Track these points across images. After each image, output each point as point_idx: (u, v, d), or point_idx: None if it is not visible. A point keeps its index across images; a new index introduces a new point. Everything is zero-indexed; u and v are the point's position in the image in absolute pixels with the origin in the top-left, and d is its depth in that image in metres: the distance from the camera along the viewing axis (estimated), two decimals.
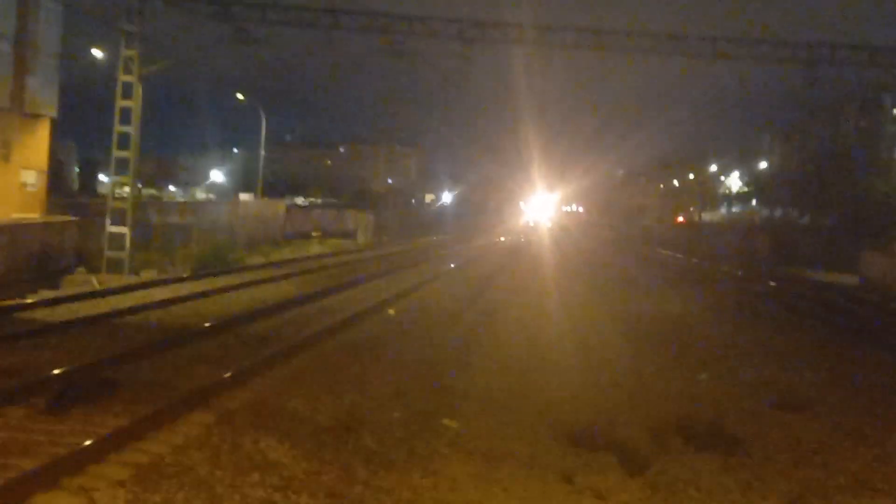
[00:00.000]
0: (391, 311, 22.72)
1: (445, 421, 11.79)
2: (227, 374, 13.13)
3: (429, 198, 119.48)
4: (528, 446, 11.05)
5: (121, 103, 30.92)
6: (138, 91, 31.03)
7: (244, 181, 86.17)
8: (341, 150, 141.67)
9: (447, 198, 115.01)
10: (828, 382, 15.79)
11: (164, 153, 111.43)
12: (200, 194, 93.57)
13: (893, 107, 73.07)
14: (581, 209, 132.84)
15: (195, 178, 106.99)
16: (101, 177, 74.96)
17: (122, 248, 30.44)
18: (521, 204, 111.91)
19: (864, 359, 19.01)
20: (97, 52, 38.84)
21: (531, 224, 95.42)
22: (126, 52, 30.93)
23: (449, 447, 10.81)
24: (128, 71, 30.87)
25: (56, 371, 12.80)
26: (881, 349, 20.30)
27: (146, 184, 57.98)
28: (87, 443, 9.47)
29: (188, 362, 14.61)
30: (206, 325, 18.31)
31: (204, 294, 24.20)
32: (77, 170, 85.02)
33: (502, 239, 69.36)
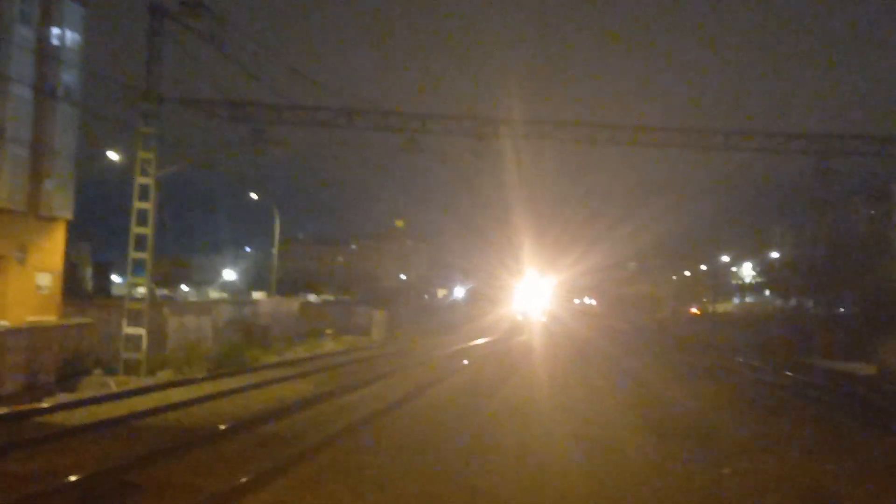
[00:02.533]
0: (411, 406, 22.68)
1: None
2: (249, 477, 13.06)
3: (441, 293, 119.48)
4: None
5: (137, 205, 31.23)
6: (154, 193, 31.36)
7: (256, 279, 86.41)
8: (353, 246, 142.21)
9: (459, 292, 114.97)
10: (852, 475, 15.62)
11: (177, 253, 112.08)
12: (214, 293, 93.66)
13: None
14: (594, 301, 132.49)
15: (208, 277, 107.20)
16: (115, 277, 75.10)
17: (138, 349, 30.52)
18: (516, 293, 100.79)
19: (887, 450, 18.84)
20: (113, 155, 39.27)
21: (519, 318, 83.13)
22: (142, 154, 31.33)
23: None
24: (144, 172, 31.24)
25: (77, 476, 12.77)
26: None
27: (158, 284, 58.27)
28: None
29: (209, 464, 14.55)
30: (225, 426, 18.23)
31: (221, 394, 24.18)
32: (91, 271, 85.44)
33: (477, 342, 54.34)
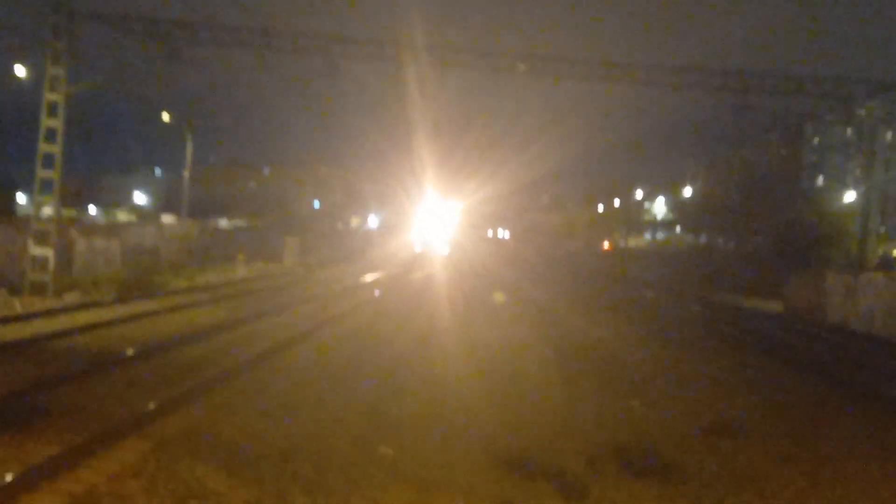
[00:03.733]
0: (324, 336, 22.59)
1: (382, 448, 11.70)
2: (161, 401, 12.88)
3: (355, 221, 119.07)
4: (465, 474, 10.99)
5: (46, 122, 30.42)
6: (63, 111, 30.56)
7: (167, 203, 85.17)
8: (265, 171, 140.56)
9: (373, 221, 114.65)
10: (757, 408, 15.97)
11: (87, 173, 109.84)
12: (123, 216, 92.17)
13: (814, 137, 74.74)
14: (507, 235, 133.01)
15: (118, 198, 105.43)
16: (20, 197, 73.48)
17: (44, 270, 29.92)
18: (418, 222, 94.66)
19: (791, 384, 19.23)
20: (20, 70, 38.08)
21: (418, 251, 79.47)
22: (52, 70, 30.47)
23: (386, 475, 10.73)
24: (53, 89, 30.40)
25: None
26: (805, 374, 20.59)
27: (66, 204, 56.77)
28: (19, 471, 9.24)
29: (120, 388, 14.35)
30: (136, 350, 17.97)
31: (131, 318, 23.84)
32: None
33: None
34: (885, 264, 44.16)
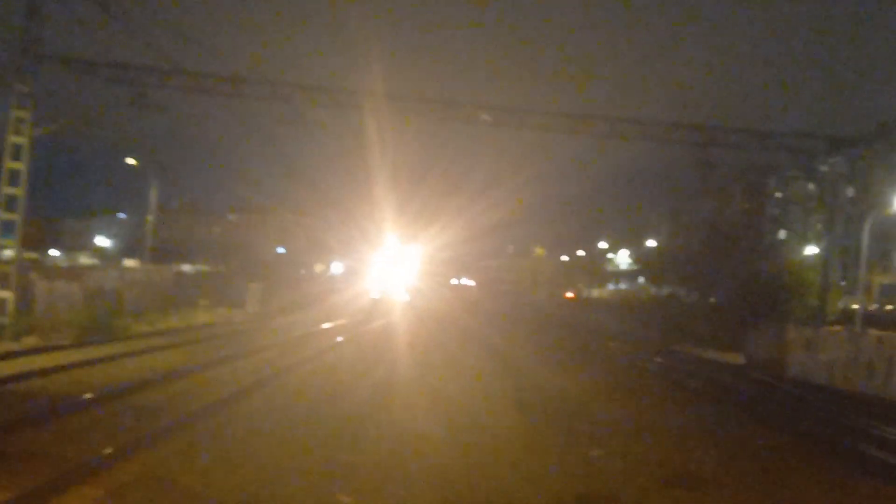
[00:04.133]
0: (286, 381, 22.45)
1: (342, 497, 11.59)
2: (117, 446, 12.71)
3: (319, 267, 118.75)
4: None
5: (9, 165, 30.23)
6: (27, 154, 30.40)
7: (130, 247, 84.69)
8: (230, 217, 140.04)
9: (337, 267, 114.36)
10: (717, 460, 15.96)
11: (49, 216, 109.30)
12: (85, 259, 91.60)
13: (776, 191, 75.58)
14: (472, 282, 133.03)
15: (80, 242, 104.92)
16: None
17: (3, 313, 29.62)
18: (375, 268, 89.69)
19: (751, 437, 19.30)
20: None
21: (376, 297, 74.22)
22: (17, 113, 30.33)
23: None
24: (18, 132, 30.24)
25: None
26: (765, 427, 20.66)
27: (27, 247, 56.33)
28: None
29: (75, 433, 14.14)
30: (93, 394, 17.75)
31: (90, 362, 23.59)
32: None
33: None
34: (845, 317, 44.50)
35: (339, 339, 37.77)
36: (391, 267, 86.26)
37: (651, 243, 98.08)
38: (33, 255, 75.14)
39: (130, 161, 60.02)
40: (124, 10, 29.13)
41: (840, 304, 48.04)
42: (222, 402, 18.20)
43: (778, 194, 76.25)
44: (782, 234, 75.96)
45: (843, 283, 52.53)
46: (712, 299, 63.78)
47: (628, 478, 13.97)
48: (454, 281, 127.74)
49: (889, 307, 58.29)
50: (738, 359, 39.73)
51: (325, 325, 46.88)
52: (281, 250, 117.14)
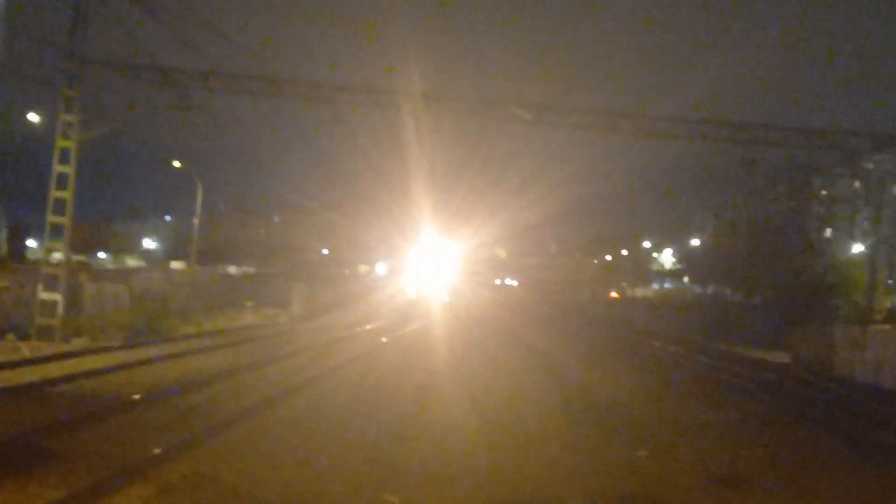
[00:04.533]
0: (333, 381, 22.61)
1: (387, 496, 11.68)
2: (166, 446, 12.89)
3: (363, 268, 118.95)
4: None
5: (58, 168, 30.64)
6: (75, 157, 30.78)
7: (176, 249, 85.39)
8: (274, 219, 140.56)
9: (381, 268, 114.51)
10: (762, 459, 15.92)
11: (97, 219, 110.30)
12: (132, 262, 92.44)
13: (822, 189, 74.88)
14: (515, 282, 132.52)
15: (127, 245, 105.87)
16: (31, 242, 73.71)
17: (53, 315, 30.00)
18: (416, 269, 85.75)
19: (797, 435, 19.20)
20: (33, 116, 38.40)
21: (413, 299, 71.13)
22: (64, 117, 30.72)
23: None
24: (66, 136, 30.63)
25: None
26: (812, 425, 20.56)
27: (76, 250, 56.86)
28: None
29: (124, 433, 14.34)
30: (141, 395, 17.99)
31: (137, 363, 23.88)
32: (5, 234, 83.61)
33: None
34: (893, 316, 44.07)
35: (383, 339, 37.94)
36: (430, 266, 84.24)
37: (695, 242, 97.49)
38: (81, 257, 76.09)
39: (176, 164, 60.55)
40: (168, 12, 29.46)
41: (888, 303, 47.55)
42: (268, 402, 18.35)
43: (823, 192, 75.52)
44: (828, 232, 75.27)
45: (890, 282, 51.96)
46: (757, 298, 63.41)
47: (672, 478, 13.95)
48: (497, 281, 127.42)
49: None
50: (784, 358, 39.48)
51: (369, 325, 47.09)
52: (325, 251, 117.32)
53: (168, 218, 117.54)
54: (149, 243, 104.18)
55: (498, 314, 63.85)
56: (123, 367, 23.07)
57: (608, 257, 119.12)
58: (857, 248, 56.77)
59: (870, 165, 39.83)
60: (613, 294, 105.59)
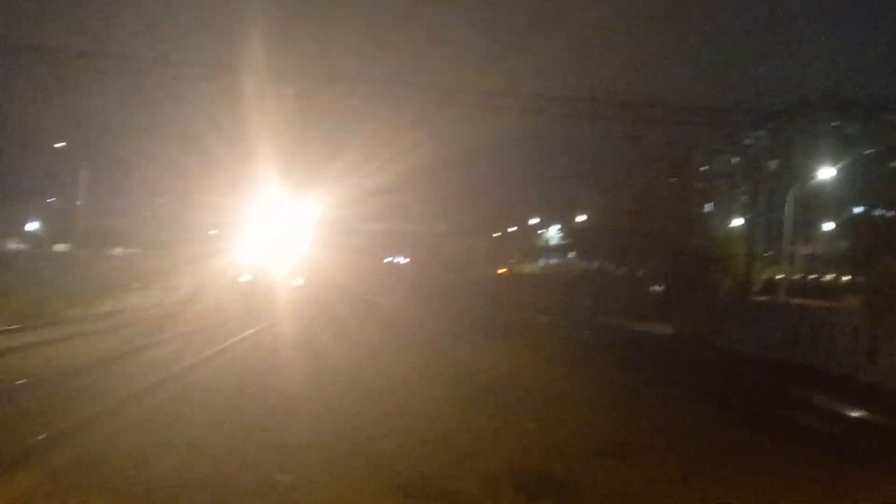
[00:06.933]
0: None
1: (278, 475, 11.75)
2: (53, 431, 12.78)
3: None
4: (361, 499, 11.10)
5: None
6: None
7: (61, 231, 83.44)
8: (160, 200, 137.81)
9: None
10: (649, 429, 16.32)
11: None
12: (13, 245, 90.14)
13: (702, 165, 76.27)
14: (407, 260, 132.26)
15: (8, 228, 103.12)
16: None
17: None
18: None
19: (681, 405, 19.69)
20: None
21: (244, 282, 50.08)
22: None
23: (283, 502, 10.80)
24: None
25: None
26: (694, 395, 21.10)
27: None
28: None
29: (11, 419, 14.15)
30: (27, 380, 17.71)
31: (23, 347, 23.47)
32: None
33: None
34: (771, 288, 45.39)
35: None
36: (278, 233, 56.42)
37: (581, 218, 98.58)
38: None
39: (59, 145, 59.30)
40: None
41: (765, 275, 48.93)
42: (158, 383, 18.24)
43: (704, 168, 77.01)
44: (709, 207, 76.84)
45: (767, 255, 53.46)
46: (641, 272, 64.59)
47: (563, 449, 14.23)
48: (388, 259, 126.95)
49: (812, 276, 59.56)
50: (668, 330, 40.32)
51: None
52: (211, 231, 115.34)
53: (50, 199, 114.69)
54: (32, 225, 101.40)
55: (382, 289, 58.55)
56: (9, 351, 22.64)
57: (495, 234, 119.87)
58: (737, 222, 58.13)
59: (748, 141, 40.93)
60: (501, 270, 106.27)
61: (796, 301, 34.12)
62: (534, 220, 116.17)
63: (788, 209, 41.89)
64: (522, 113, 36.16)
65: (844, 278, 52.73)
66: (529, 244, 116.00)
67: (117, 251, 77.22)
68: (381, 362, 24.60)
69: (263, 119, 40.23)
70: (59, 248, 61.42)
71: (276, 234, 55.04)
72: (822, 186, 48.95)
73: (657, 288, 55.24)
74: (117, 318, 35.31)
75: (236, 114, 39.02)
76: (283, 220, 55.91)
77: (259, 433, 14.31)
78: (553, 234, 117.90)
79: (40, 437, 12.46)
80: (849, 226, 66.21)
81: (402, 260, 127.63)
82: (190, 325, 32.31)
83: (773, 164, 46.25)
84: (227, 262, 52.02)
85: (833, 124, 46.73)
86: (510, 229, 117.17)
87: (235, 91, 35.04)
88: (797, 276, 54.30)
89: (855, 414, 18.95)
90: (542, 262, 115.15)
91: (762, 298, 35.31)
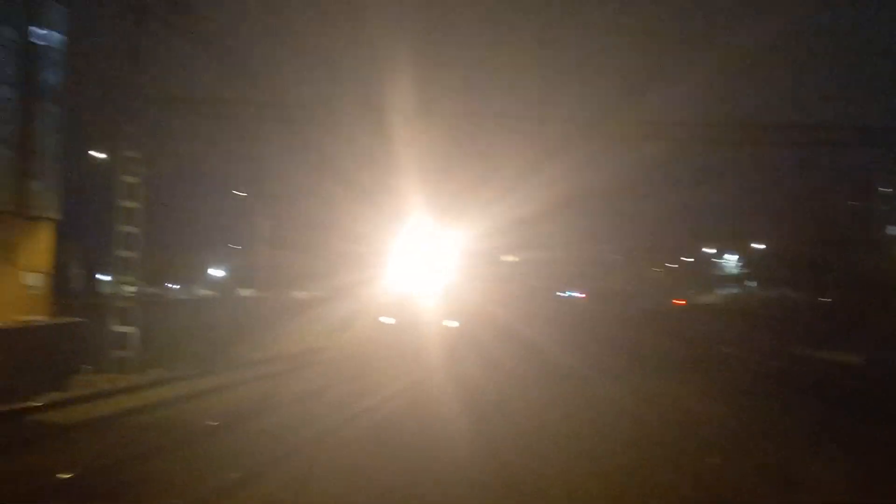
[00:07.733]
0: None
1: None
2: (242, 472, 13.27)
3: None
4: None
5: (123, 204, 31.23)
6: (140, 192, 31.40)
7: (244, 276, 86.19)
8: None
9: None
10: (842, 468, 15.72)
11: (164, 250, 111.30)
12: (201, 290, 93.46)
13: (883, 186, 73.84)
14: (582, 295, 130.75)
15: (195, 274, 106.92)
16: (102, 276, 74.99)
17: (127, 347, 30.58)
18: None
19: (869, 437, 19.05)
20: (97, 154, 39.27)
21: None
22: (127, 153, 31.34)
23: None
24: (129, 172, 31.24)
25: (71, 474, 12.98)
26: (885, 426, 20.34)
27: (146, 282, 57.58)
28: None
29: (202, 461, 14.72)
30: (216, 422, 18.41)
31: (212, 391, 24.36)
32: (79, 270, 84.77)
33: None
34: None
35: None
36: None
37: (759, 246, 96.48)
38: (153, 289, 77.27)
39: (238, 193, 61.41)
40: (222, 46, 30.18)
41: None
42: (342, 423, 18.68)
43: (886, 190, 74.50)
44: (893, 230, 74.28)
45: None
46: (825, 299, 62.79)
47: (745, 484, 14.03)
48: (560, 294, 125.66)
49: None
50: (853, 359, 38.97)
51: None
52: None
53: (235, 246, 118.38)
54: (217, 271, 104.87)
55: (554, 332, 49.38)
56: (199, 395, 23.54)
57: (672, 265, 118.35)
58: None
59: None
60: (679, 301, 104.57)
61: None
62: (709, 250, 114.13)
63: None
64: (684, 142, 35.65)
65: None
66: (705, 274, 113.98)
67: (299, 293, 79.25)
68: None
69: (411, 152, 40.37)
70: (244, 292, 63.27)
71: (423, 265, 49.06)
72: None
73: (843, 314, 53.47)
74: (297, 359, 36.10)
75: (386, 149, 39.54)
76: (432, 250, 49.22)
77: None
78: (732, 263, 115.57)
79: (231, 475, 12.97)
80: None
81: (576, 294, 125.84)
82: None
83: None
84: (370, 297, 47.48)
85: None
86: (682, 259, 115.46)
87: (385, 129, 35.64)
88: None
89: None
90: (720, 292, 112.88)
91: None
